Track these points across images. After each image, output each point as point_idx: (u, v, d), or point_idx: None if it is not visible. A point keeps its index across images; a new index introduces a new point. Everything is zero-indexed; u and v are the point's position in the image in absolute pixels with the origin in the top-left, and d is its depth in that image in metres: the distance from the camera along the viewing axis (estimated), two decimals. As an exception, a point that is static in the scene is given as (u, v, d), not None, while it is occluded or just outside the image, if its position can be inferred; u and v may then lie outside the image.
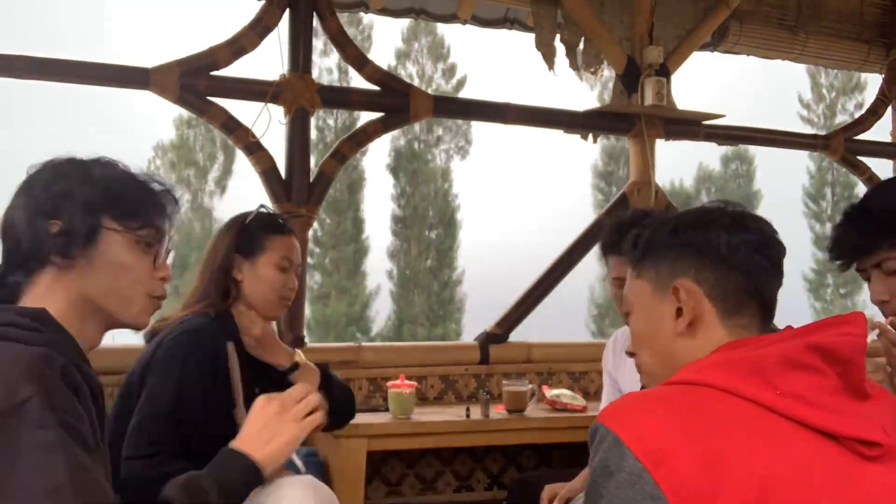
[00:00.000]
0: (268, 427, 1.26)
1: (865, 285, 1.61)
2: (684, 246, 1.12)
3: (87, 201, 1.18)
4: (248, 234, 2.04)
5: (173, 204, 1.29)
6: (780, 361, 0.98)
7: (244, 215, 2.10)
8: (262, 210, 2.12)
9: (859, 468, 0.94)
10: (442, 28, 21.10)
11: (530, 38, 3.56)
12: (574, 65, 3.58)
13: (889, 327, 1.62)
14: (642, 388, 2.19)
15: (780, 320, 1.17)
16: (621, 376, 2.39)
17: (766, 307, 1.12)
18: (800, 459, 0.92)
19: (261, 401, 1.29)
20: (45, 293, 1.17)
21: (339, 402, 2.18)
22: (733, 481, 0.88)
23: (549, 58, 3.51)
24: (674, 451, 0.90)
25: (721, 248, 1.10)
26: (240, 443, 1.25)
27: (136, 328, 1.27)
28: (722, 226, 1.12)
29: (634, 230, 1.20)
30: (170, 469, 1.39)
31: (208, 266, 2.02)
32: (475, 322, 16.07)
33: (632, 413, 0.96)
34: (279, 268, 2.04)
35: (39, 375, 1.03)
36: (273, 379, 2.21)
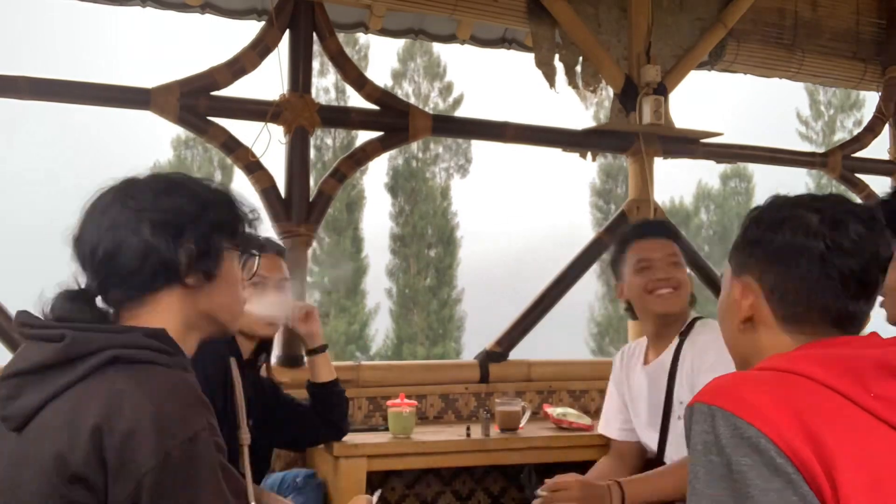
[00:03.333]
0: None
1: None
2: (756, 242, 1.10)
3: (211, 222, 1.21)
4: None
5: (258, 217, 1.34)
6: (876, 366, 0.94)
7: None
8: None
9: None
10: (438, 48, 21.26)
11: (527, 57, 3.59)
12: (573, 82, 3.60)
13: None
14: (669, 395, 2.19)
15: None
16: (628, 391, 2.39)
17: (837, 322, 1.05)
18: (888, 460, 0.89)
19: None
20: (164, 311, 1.18)
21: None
22: (844, 469, 0.86)
23: (550, 76, 3.54)
24: (786, 426, 0.88)
25: (783, 252, 1.06)
26: None
27: (232, 335, 1.36)
28: (791, 226, 1.07)
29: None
30: None
31: None
32: (475, 340, 16.05)
33: (735, 390, 0.94)
34: (253, 286, 2.02)
35: (203, 405, 1.09)
36: (268, 398, 2.21)
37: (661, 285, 2.23)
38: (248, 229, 1.30)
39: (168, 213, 1.17)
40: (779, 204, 1.12)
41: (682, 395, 2.16)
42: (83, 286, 1.19)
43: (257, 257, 1.34)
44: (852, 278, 1.03)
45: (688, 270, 2.32)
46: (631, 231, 2.36)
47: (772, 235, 1.08)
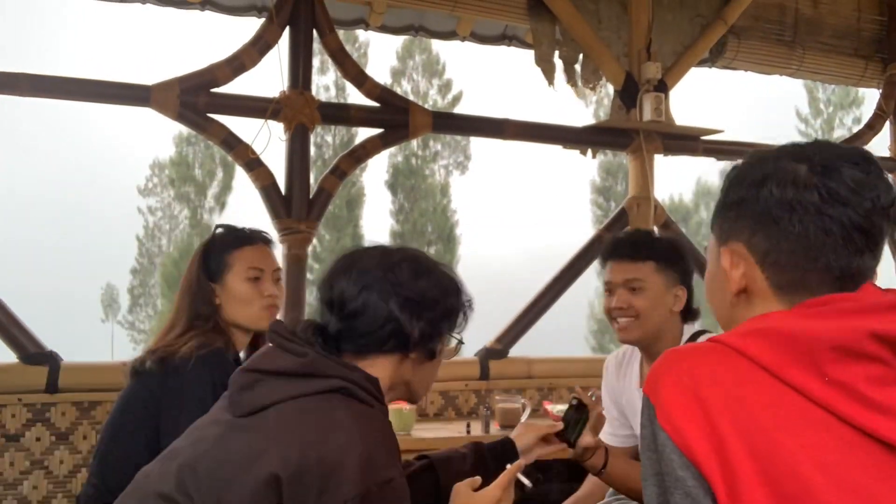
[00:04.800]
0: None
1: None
2: (740, 202, 0.98)
3: (445, 313, 1.38)
4: (210, 258, 2.01)
5: (473, 308, 1.49)
6: (835, 347, 0.85)
7: (203, 243, 2.08)
8: (219, 230, 2.08)
9: None
10: (437, 45, 21.24)
11: (527, 54, 3.58)
12: (573, 80, 3.60)
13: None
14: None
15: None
16: (627, 405, 2.32)
17: (844, 281, 0.92)
18: (835, 456, 0.83)
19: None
20: (380, 369, 1.32)
21: None
22: (744, 477, 0.83)
23: (548, 73, 3.53)
24: (692, 428, 0.86)
25: (772, 209, 0.94)
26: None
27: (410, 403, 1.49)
28: (778, 180, 0.94)
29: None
30: None
31: (185, 299, 1.96)
32: (475, 337, 16.05)
33: (664, 381, 0.91)
34: (249, 279, 2.01)
35: (398, 452, 1.24)
36: None
37: (619, 314, 2.14)
38: (464, 318, 1.45)
39: (417, 294, 1.34)
40: (760, 157, 1.00)
41: None
42: (325, 324, 1.35)
43: (460, 344, 1.48)
44: (854, 230, 0.91)
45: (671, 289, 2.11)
46: (603, 249, 2.22)
47: (756, 192, 0.96)
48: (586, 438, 1.82)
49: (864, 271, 0.93)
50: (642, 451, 0.93)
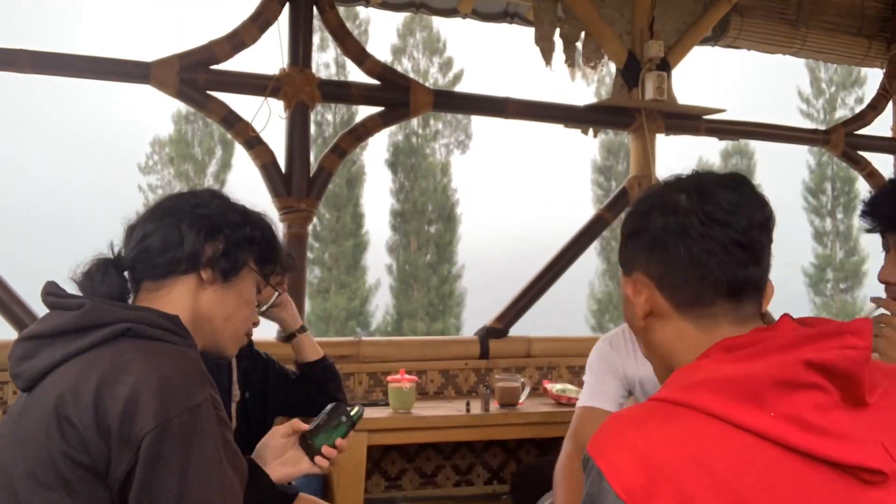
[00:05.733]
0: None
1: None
2: (633, 235, 1.07)
3: (245, 238, 1.34)
4: None
5: (291, 266, 1.48)
6: (776, 383, 0.91)
7: None
8: None
9: (859, 495, 0.88)
10: (438, 22, 21.09)
11: (528, 32, 3.56)
12: (570, 61, 3.58)
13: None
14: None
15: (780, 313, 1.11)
16: (639, 382, 2.31)
17: (735, 291, 1.00)
18: (794, 490, 0.87)
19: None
20: (177, 299, 1.27)
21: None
22: None
23: (547, 53, 3.51)
24: (654, 492, 0.85)
25: (658, 235, 1.02)
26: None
27: (224, 357, 1.39)
28: (659, 209, 1.03)
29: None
30: None
31: None
32: (475, 317, 16.07)
33: (615, 444, 0.91)
34: None
35: (207, 380, 1.15)
36: (263, 370, 2.20)
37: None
38: (278, 270, 1.42)
39: (214, 214, 1.31)
40: (647, 192, 1.10)
41: None
42: (117, 256, 1.29)
43: (276, 295, 1.46)
44: (734, 246, 0.99)
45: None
46: None
47: (646, 223, 1.04)
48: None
49: (752, 280, 1.01)
50: None
